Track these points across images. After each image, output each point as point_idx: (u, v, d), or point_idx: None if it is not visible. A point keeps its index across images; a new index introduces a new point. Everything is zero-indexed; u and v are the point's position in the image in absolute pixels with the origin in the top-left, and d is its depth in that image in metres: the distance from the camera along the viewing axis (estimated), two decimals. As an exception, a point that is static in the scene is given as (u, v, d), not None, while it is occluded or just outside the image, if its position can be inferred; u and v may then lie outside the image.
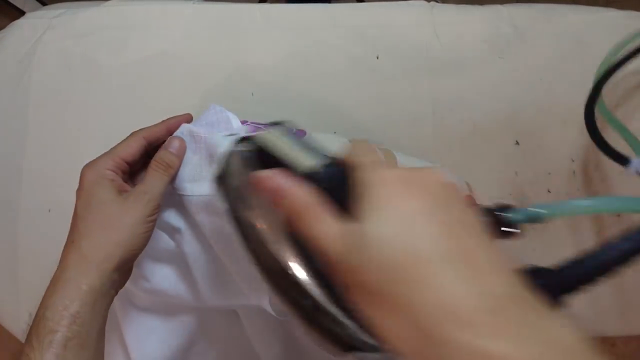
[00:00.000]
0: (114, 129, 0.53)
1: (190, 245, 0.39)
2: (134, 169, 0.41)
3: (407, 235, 0.21)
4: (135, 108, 0.54)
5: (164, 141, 0.40)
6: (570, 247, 0.53)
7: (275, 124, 0.30)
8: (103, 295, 0.34)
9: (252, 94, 0.55)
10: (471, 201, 0.24)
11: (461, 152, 0.54)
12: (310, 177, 0.25)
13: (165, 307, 0.45)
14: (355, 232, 0.22)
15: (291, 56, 0.55)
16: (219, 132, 0.39)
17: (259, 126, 0.42)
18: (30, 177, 0.53)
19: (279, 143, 0.27)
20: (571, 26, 0.56)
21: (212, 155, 0.37)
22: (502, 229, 0.26)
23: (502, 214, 0.26)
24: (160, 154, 0.38)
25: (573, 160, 0.54)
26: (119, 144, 0.38)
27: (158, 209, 0.36)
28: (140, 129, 0.40)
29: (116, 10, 0.57)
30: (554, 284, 0.25)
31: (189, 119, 0.42)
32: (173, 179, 0.38)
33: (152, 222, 0.36)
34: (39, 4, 1.17)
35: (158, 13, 0.57)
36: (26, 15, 0.59)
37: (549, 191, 0.53)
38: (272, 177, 0.25)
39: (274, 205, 0.25)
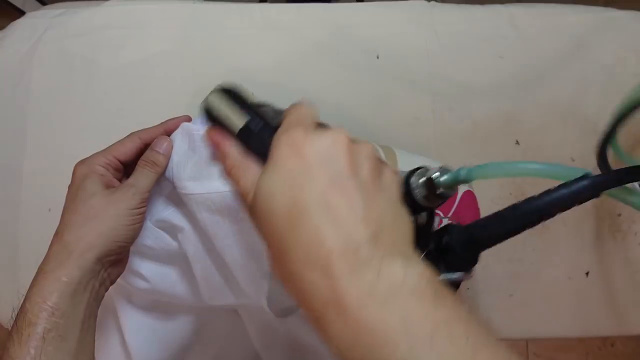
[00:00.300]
0: (114, 127, 0.53)
1: (192, 244, 0.39)
2: (129, 170, 0.41)
3: (283, 189, 0.24)
4: (135, 107, 0.54)
5: None
6: (571, 247, 0.53)
7: (228, 89, 0.32)
8: (84, 286, 0.33)
9: (252, 94, 0.54)
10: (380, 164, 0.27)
11: (461, 152, 0.54)
12: (239, 135, 0.29)
13: (165, 307, 0.44)
14: (256, 186, 0.25)
15: (291, 56, 0.55)
16: None
17: None
18: (31, 177, 0.53)
19: (216, 106, 0.31)
20: (571, 26, 0.56)
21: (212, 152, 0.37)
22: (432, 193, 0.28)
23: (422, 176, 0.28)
24: (147, 153, 0.38)
25: (573, 160, 0.54)
26: (114, 143, 0.39)
27: (144, 203, 0.36)
28: (138, 130, 0.40)
29: (116, 10, 0.57)
30: (463, 238, 0.28)
31: (187, 120, 0.42)
32: (163, 178, 0.38)
33: (138, 215, 0.36)
34: (39, 4, 1.17)
35: (158, 13, 0.57)
36: (26, 15, 0.59)
37: (549, 191, 0.53)
38: (211, 132, 0.30)
39: (214, 157, 0.30)
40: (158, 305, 0.44)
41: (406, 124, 0.54)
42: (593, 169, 0.53)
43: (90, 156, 0.38)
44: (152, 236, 0.39)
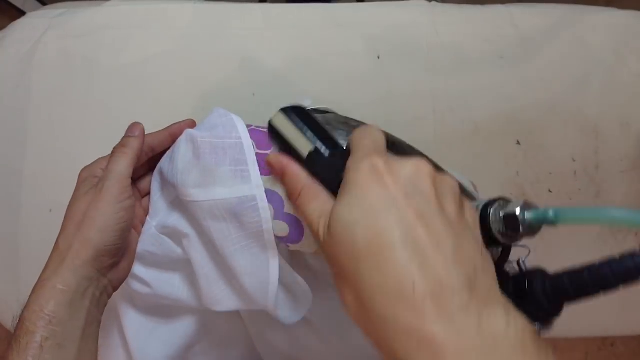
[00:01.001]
0: (115, 128, 0.53)
1: (197, 250, 0.38)
2: (136, 175, 0.41)
3: (366, 221, 0.22)
4: (136, 108, 0.54)
5: (168, 148, 0.40)
6: (572, 247, 0.53)
7: (295, 108, 0.31)
8: (81, 294, 0.33)
9: (253, 94, 0.55)
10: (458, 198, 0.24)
11: (462, 152, 0.54)
12: (308, 159, 0.28)
13: (166, 309, 0.44)
14: (330, 214, 0.24)
15: (292, 56, 0.55)
16: (218, 135, 0.39)
17: (263, 131, 0.42)
18: (31, 177, 0.53)
19: (284, 128, 0.30)
20: (572, 26, 0.56)
21: (217, 158, 0.37)
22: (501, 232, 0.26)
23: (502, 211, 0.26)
24: (122, 138, 0.38)
25: (574, 161, 0.54)
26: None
27: (126, 193, 0.35)
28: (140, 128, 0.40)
29: (117, 10, 0.57)
30: (550, 289, 0.25)
31: (191, 124, 0.42)
32: (168, 184, 0.38)
33: (124, 210, 0.35)
34: (39, 4, 1.17)
35: (159, 13, 0.57)
36: (27, 15, 0.59)
37: (550, 191, 0.53)
38: (277, 158, 0.29)
39: (280, 181, 0.30)
40: (159, 307, 0.44)
41: (407, 123, 0.54)
42: (594, 165, 0.53)
43: (95, 161, 0.38)
44: (156, 243, 0.39)
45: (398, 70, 0.55)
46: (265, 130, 0.42)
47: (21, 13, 1.14)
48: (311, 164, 0.28)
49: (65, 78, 0.55)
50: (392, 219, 0.22)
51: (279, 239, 0.38)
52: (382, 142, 0.26)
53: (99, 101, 0.54)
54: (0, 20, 1.06)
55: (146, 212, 0.41)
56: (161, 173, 0.40)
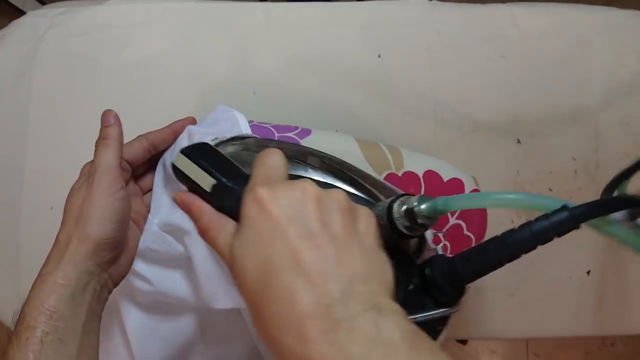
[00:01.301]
0: (116, 127, 0.54)
1: (198, 248, 0.38)
2: (138, 172, 0.41)
3: (255, 252, 0.23)
4: (137, 107, 0.54)
5: (170, 145, 0.40)
6: (572, 246, 0.53)
7: (196, 146, 0.32)
8: (82, 288, 0.33)
9: (254, 93, 0.55)
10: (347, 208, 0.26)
11: (463, 151, 0.54)
12: (211, 194, 0.28)
13: (167, 307, 0.44)
14: (230, 248, 0.25)
15: (292, 55, 0.56)
16: (219, 131, 0.39)
17: (265, 126, 0.42)
18: (32, 175, 0.53)
19: (186, 167, 0.30)
20: (572, 25, 0.56)
21: None
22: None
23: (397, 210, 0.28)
24: (100, 130, 0.37)
25: (574, 159, 0.54)
26: (125, 143, 0.39)
27: (117, 185, 0.35)
28: (146, 133, 0.40)
29: (117, 9, 0.57)
30: (447, 273, 0.27)
31: (192, 122, 0.42)
32: (171, 181, 0.38)
33: (118, 201, 0.34)
34: (38, 4, 1.17)
35: (159, 12, 0.57)
36: (28, 14, 0.59)
37: (550, 190, 0.53)
38: (181, 195, 0.30)
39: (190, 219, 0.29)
40: (160, 305, 0.44)
41: (407, 123, 0.54)
42: (594, 164, 0.53)
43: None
44: (158, 240, 0.39)
45: (399, 69, 0.55)
46: (268, 125, 0.42)
47: (21, 13, 1.14)
48: (215, 197, 0.28)
49: (66, 77, 0.55)
50: (276, 245, 0.23)
51: None
52: (277, 167, 0.27)
53: (99, 99, 0.54)
54: (0, 20, 1.06)
55: (148, 209, 0.41)
56: (164, 169, 0.40)
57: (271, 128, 0.42)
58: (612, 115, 0.54)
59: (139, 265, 0.40)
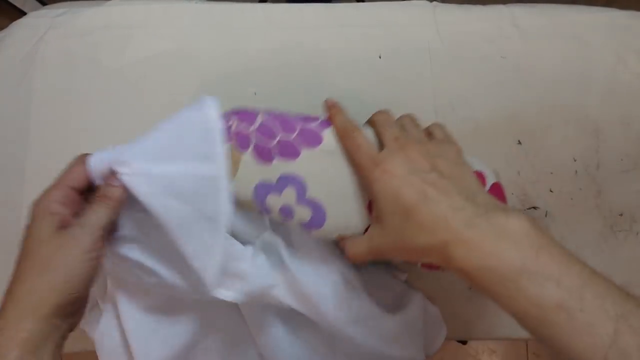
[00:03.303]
0: (116, 127, 0.53)
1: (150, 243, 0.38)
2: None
3: (401, 191, 0.33)
4: (137, 107, 0.54)
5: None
6: (572, 247, 0.53)
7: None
8: (44, 340, 0.31)
9: (255, 94, 0.55)
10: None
11: (463, 151, 0.54)
12: None
13: (167, 308, 0.44)
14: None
15: (293, 56, 0.56)
16: (186, 114, 0.37)
17: (288, 118, 0.40)
18: (33, 177, 0.53)
19: None
20: (572, 26, 0.57)
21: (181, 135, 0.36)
22: None
23: None
24: (101, 187, 0.35)
25: (575, 160, 0.54)
26: (65, 170, 0.36)
27: (100, 243, 0.33)
28: (87, 154, 0.37)
29: (118, 9, 0.57)
30: None
31: None
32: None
33: (91, 260, 0.33)
34: (39, 4, 1.17)
35: (160, 12, 0.57)
36: (28, 14, 0.59)
37: (551, 191, 0.53)
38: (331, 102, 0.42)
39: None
40: (160, 307, 0.44)
41: (408, 123, 0.54)
42: (595, 165, 0.53)
43: (45, 192, 0.35)
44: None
45: (399, 70, 0.55)
46: (291, 117, 0.41)
47: (21, 13, 1.14)
48: None
49: (67, 77, 0.55)
50: (407, 191, 0.33)
51: (301, 226, 0.38)
52: (372, 144, 0.38)
53: (100, 100, 0.54)
54: (0, 20, 1.06)
55: None
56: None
57: (293, 118, 0.41)
58: (613, 116, 0.55)
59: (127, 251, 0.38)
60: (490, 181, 0.43)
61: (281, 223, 0.41)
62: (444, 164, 0.34)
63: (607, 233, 0.53)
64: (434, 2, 0.58)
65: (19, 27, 0.57)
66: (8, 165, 0.54)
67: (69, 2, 0.60)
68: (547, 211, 0.53)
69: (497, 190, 0.43)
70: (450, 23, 0.56)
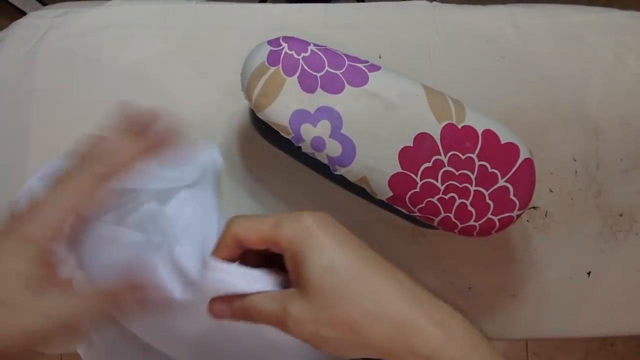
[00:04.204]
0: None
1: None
2: None
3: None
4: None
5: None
6: (572, 247, 0.53)
7: None
8: None
9: (254, 94, 0.55)
10: None
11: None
12: None
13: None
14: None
15: (293, 56, 0.55)
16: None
17: (337, 52, 0.42)
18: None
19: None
20: (572, 26, 0.57)
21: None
22: None
23: None
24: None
25: (575, 160, 0.54)
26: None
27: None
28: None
29: (118, 10, 0.57)
30: None
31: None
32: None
33: None
34: (39, 4, 1.17)
35: (160, 13, 0.57)
36: (28, 14, 0.59)
37: (551, 191, 0.53)
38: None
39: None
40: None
41: (408, 123, 0.54)
42: (594, 165, 0.53)
43: None
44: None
45: (399, 70, 0.55)
46: (340, 52, 0.43)
47: (21, 13, 1.14)
48: None
49: (67, 78, 0.55)
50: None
51: (328, 159, 0.39)
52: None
53: (100, 101, 0.54)
54: (0, 20, 1.06)
55: None
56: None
57: (343, 55, 0.43)
58: (612, 116, 0.55)
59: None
60: (523, 155, 0.42)
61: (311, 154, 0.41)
62: None
63: (607, 233, 0.53)
64: (434, 2, 0.58)
65: (19, 27, 0.57)
66: (8, 165, 0.54)
67: (69, 2, 0.60)
68: (547, 211, 0.53)
69: (527, 167, 0.42)
70: (450, 23, 0.56)
